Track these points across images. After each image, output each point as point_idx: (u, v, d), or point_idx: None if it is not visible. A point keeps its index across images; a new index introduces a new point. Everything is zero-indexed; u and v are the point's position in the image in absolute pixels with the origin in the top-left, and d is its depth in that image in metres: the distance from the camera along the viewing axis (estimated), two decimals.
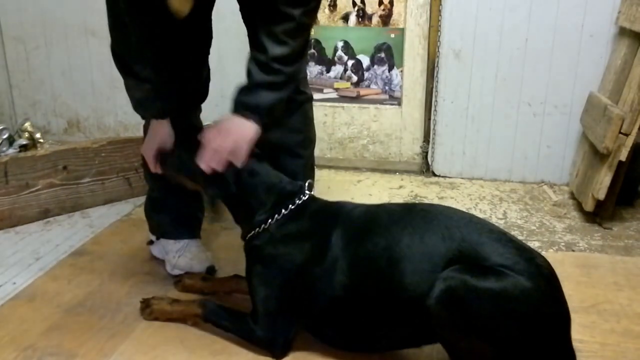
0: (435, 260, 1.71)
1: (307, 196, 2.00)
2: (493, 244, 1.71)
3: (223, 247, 2.70)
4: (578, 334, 2.05)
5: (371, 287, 1.80)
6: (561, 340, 1.70)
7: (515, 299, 1.61)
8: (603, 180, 2.90)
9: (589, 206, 3.00)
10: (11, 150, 3.31)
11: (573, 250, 2.75)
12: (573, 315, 2.13)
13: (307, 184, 2.03)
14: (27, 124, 3.56)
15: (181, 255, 2.46)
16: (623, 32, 3.16)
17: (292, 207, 1.96)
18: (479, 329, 1.62)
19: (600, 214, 3.02)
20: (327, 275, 1.85)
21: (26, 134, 3.50)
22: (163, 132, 2.19)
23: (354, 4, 3.55)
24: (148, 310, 2.14)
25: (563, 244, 2.81)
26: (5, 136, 3.37)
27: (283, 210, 1.96)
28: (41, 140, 3.51)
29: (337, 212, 1.96)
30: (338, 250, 1.85)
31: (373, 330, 1.86)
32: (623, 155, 2.84)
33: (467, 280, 1.62)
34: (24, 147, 3.37)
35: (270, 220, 1.95)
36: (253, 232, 1.98)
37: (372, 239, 1.83)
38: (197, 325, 2.08)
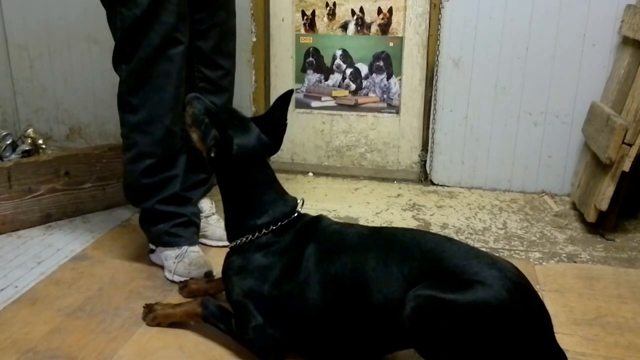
0: (399, 281, 1.72)
1: (297, 213, 2.00)
2: (454, 256, 1.72)
3: (220, 252, 2.67)
4: (581, 347, 2.06)
5: (341, 306, 1.82)
6: (542, 343, 1.68)
7: (486, 307, 1.60)
8: (606, 191, 2.88)
9: (591, 217, 2.99)
10: (14, 156, 3.32)
11: (575, 262, 2.73)
12: (575, 328, 2.15)
13: (300, 201, 2.04)
14: (30, 130, 3.57)
15: (180, 261, 2.47)
16: (626, 41, 3.16)
17: (287, 221, 1.96)
18: (454, 341, 1.62)
19: (602, 225, 3.01)
20: (299, 290, 1.86)
21: (29, 140, 3.50)
22: None
23: (353, 13, 3.57)
24: (151, 315, 2.14)
25: (565, 255, 2.79)
26: (8, 142, 3.37)
27: (280, 223, 1.95)
28: (43, 146, 3.52)
29: (313, 227, 1.96)
30: (311, 266, 1.87)
31: (347, 345, 1.87)
32: (626, 166, 2.83)
33: (436, 296, 1.62)
34: (26, 153, 3.37)
35: (264, 230, 1.95)
36: (244, 237, 1.97)
37: (341, 259, 1.84)
38: (199, 323, 2.08)
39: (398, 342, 1.79)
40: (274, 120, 2.01)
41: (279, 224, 1.95)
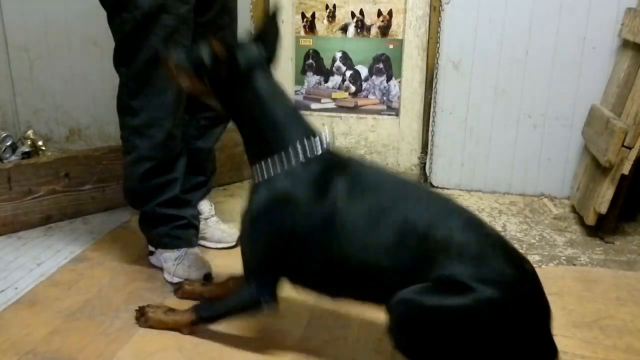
0: (407, 250, 1.71)
1: (327, 145, 1.91)
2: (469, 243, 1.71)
3: (220, 254, 2.71)
4: (580, 350, 2.06)
5: (351, 246, 1.78)
6: (540, 339, 1.69)
7: (478, 314, 1.61)
8: (605, 194, 2.89)
9: (590, 220, 2.99)
10: (14, 157, 3.31)
11: (574, 265, 2.73)
12: (574, 331, 2.15)
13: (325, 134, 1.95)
14: (29, 132, 3.57)
15: (179, 263, 2.47)
16: (626, 44, 3.17)
17: (314, 153, 1.86)
18: (439, 345, 1.64)
19: (602, 228, 3.01)
20: (320, 223, 1.80)
21: (29, 142, 3.50)
22: None
23: (353, 15, 3.57)
24: (143, 318, 2.14)
25: (564, 258, 2.79)
26: (8, 143, 3.37)
27: (305, 142, 1.86)
28: (43, 148, 3.52)
29: (347, 162, 1.90)
30: (336, 200, 1.80)
31: (345, 284, 1.86)
32: (626, 169, 2.83)
33: (420, 301, 1.64)
34: (26, 155, 3.37)
35: (284, 154, 1.85)
36: (268, 160, 1.87)
37: (364, 199, 1.80)
38: (192, 334, 2.08)
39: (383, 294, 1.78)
40: (267, 34, 1.95)
41: (304, 146, 1.85)
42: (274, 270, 1.91)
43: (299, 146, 1.84)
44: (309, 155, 1.84)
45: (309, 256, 1.84)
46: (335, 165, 1.86)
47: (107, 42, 2.37)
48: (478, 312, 1.60)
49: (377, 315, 2.15)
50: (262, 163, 1.88)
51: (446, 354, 1.64)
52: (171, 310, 2.15)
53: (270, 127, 1.87)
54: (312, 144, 1.86)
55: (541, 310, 1.70)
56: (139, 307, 2.18)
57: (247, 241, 1.94)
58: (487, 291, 1.60)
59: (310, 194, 1.82)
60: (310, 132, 1.88)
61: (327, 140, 1.90)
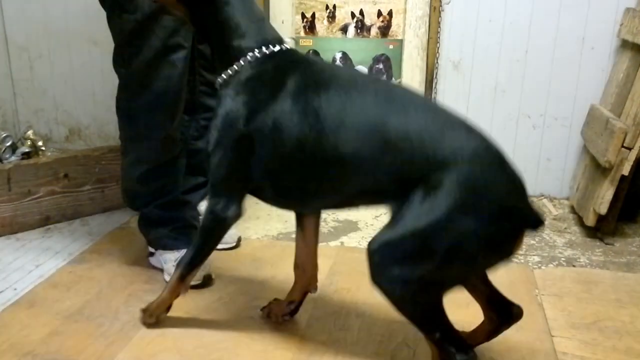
0: (381, 135, 1.68)
1: (284, 44, 1.90)
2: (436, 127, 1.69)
3: (220, 255, 2.68)
4: (579, 351, 2.05)
5: (313, 142, 1.75)
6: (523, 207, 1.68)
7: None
8: (605, 195, 2.88)
9: (590, 221, 2.99)
10: (14, 158, 3.30)
11: (574, 266, 2.73)
12: (573, 332, 2.14)
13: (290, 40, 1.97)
14: (29, 132, 3.56)
15: None
16: (625, 44, 3.16)
17: (269, 52, 1.86)
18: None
19: (601, 229, 3.01)
20: (276, 121, 1.79)
21: (29, 142, 3.49)
22: None
23: (353, 16, 3.56)
24: (147, 313, 2.14)
25: (563, 259, 2.79)
26: (8, 144, 3.35)
27: (257, 52, 1.85)
28: (43, 148, 3.50)
29: (301, 59, 1.91)
30: (290, 96, 1.79)
31: (311, 191, 1.86)
32: (626, 170, 2.83)
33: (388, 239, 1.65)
34: (26, 155, 3.36)
35: (247, 56, 1.85)
36: (229, 70, 1.87)
37: (325, 93, 1.77)
38: (187, 290, 2.10)
39: (361, 196, 1.79)
40: None
41: (262, 51, 1.85)
42: (240, 182, 1.91)
43: (257, 52, 1.85)
44: (266, 59, 1.85)
45: (272, 159, 1.83)
46: (289, 64, 1.86)
47: (108, 42, 2.36)
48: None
49: (377, 316, 2.17)
50: (223, 72, 1.89)
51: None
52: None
53: (232, 35, 1.87)
54: (271, 49, 1.86)
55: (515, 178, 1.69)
56: (142, 309, 2.16)
57: (212, 154, 1.91)
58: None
59: (262, 96, 1.82)
60: (272, 40, 1.88)
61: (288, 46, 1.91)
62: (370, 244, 1.68)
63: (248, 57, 1.85)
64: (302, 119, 1.76)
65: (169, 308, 2.14)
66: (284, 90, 1.79)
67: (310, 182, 1.83)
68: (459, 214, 1.58)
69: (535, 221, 1.67)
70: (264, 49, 1.85)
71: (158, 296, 2.14)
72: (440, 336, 1.69)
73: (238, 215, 1.94)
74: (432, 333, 1.71)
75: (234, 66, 1.86)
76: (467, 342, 1.73)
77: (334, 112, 1.73)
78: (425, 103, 1.79)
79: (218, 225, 1.96)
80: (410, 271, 1.63)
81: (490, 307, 1.90)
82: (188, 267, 2.05)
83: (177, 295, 2.11)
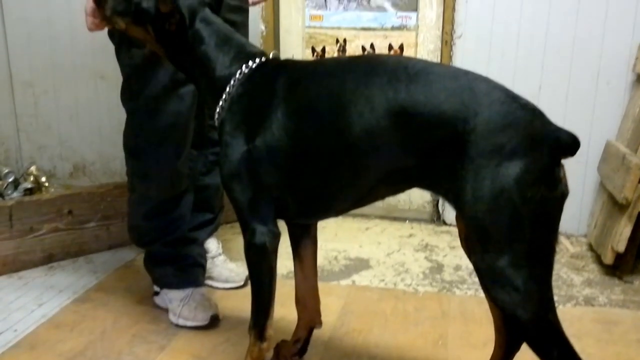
0: (383, 104, 1.60)
1: (268, 56, 1.88)
2: (444, 78, 1.61)
3: (228, 294, 2.66)
4: None
5: (316, 140, 1.70)
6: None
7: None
8: (623, 232, 2.82)
9: (608, 259, 2.92)
10: (16, 194, 3.28)
11: (592, 305, 2.67)
12: None
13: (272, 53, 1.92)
14: (32, 168, 3.54)
15: (185, 304, 2.42)
16: None
17: (255, 65, 1.83)
18: None
19: (620, 267, 2.94)
20: (276, 129, 1.73)
21: (31, 178, 3.47)
22: None
23: (364, 49, 3.56)
24: None
25: (582, 298, 2.73)
26: (10, 180, 3.34)
27: (244, 68, 1.82)
28: (46, 184, 3.48)
29: (284, 64, 1.87)
30: (280, 98, 1.74)
31: (332, 191, 1.78)
32: None
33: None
34: (29, 191, 3.34)
35: (235, 77, 1.81)
36: (220, 100, 1.83)
37: (315, 85, 1.74)
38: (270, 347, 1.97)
39: (382, 181, 1.70)
40: None
41: (245, 69, 1.82)
42: (264, 202, 1.81)
43: (244, 69, 1.81)
44: (252, 73, 1.82)
45: (284, 168, 1.76)
46: (274, 71, 1.82)
47: (115, 77, 2.34)
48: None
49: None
50: (217, 107, 1.84)
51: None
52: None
53: (215, 68, 1.84)
54: (255, 63, 1.83)
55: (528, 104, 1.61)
56: None
57: (228, 188, 1.84)
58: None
59: (257, 109, 1.77)
60: (254, 56, 1.85)
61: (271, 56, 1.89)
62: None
63: (237, 77, 1.81)
64: (299, 118, 1.72)
65: None
66: (275, 97, 1.75)
67: (329, 181, 1.76)
68: (507, 161, 1.50)
69: (568, 139, 1.58)
70: (250, 63, 1.82)
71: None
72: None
73: (275, 235, 1.83)
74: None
75: (225, 94, 1.82)
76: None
77: (327, 100, 1.69)
78: (417, 63, 1.70)
79: (262, 255, 1.84)
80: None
81: (505, 329, 1.83)
82: (257, 319, 1.92)
83: (263, 356, 1.95)
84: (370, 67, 1.69)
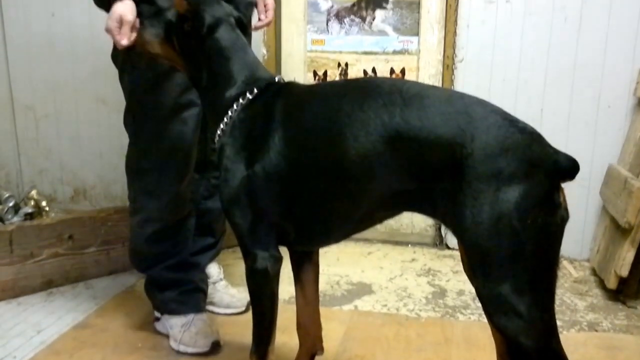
0: (378, 127, 1.59)
1: (269, 82, 1.87)
2: (438, 102, 1.59)
3: (229, 320, 2.65)
4: None
5: (313, 164, 1.69)
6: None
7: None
8: (626, 257, 2.81)
9: (611, 283, 2.91)
10: (16, 219, 3.27)
11: (596, 330, 2.65)
12: None
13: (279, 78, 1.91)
14: (33, 192, 3.52)
15: (186, 330, 2.40)
16: None
17: (258, 90, 1.83)
18: None
19: (624, 292, 2.93)
20: (275, 155, 1.73)
21: (32, 202, 3.45)
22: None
23: (365, 73, 3.55)
24: None
25: (585, 323, 2.71)
26: (10, 204, 3.32)
27: (248, 94, 1.82)
28: (47, 209, 3.46)
29: (283, 88, 1.85)
30: (278, 123, 1.74)
31: (330, 217, 1.77)
32: None
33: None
34: (29, 216, 3.32)
35: (239, 101, 1.82)
36: (222, 122, 1.84)
37: (311, 109, 1.73)
38: None
39: (380, 206, 1.69)
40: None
41: (250, 95, 1.82)
42: (265, 227, 1.80)
43: (248, 95, 1.82)
44: (256, 98, 1.82)
45: (283, 193, 1.75)
46: (274, 96, 1.81)
47: (116, 100, 2.34)
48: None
49: None
50: (218, 127, 1.85)
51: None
52: None
53: (225, 86, 1.85)
54: (260, 88, 1.83)
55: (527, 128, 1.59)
56: None
57: (229, 213, 1.84)
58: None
59: (257, 134, 1.77)
60: (261, 80, 1.85)
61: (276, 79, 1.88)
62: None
63: (240, 101, 1.82)
64: (296, 143, 1.72)
65: None
66: (273, 122, 1.75)
67: (327, 206, 1.75)
68: (506, 187, 1.49)
69: (567, 163, 1.57)
70: (255, 90, 1.82)
71: None
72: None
73: (277, 259, 1.83)
74: None
75: (227, 117, 1.83)
76: None
77: (323, 125, 1.68)
78: (412, 87, 1.70)
79: (263, 280, 1.83)
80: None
81: (508, 356, 1.77)
82: (259, 345, 1.90)
83: None
84: (366, 90, 1.68)
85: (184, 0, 1.81)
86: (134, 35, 1.92)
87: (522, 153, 1.51)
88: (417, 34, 3.50)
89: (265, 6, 2.57)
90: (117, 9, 1.90)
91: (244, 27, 1.95)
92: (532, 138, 1.56)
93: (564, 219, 1.55)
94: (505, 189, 1.48)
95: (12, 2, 3.76)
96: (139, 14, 1.92)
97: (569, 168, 1.57)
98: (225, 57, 1.85)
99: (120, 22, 1.89)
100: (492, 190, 1.49)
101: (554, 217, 1.53)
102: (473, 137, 1.51)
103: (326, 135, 1.67)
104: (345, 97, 1.69)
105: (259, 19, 2.58)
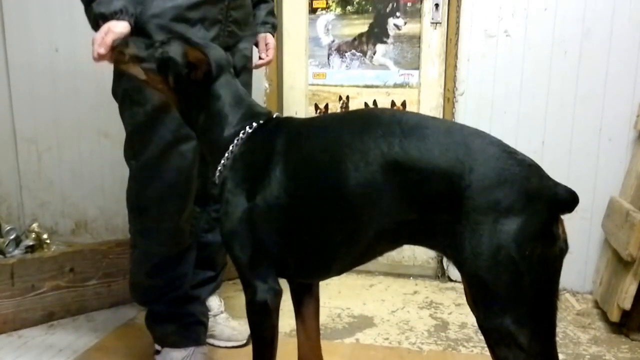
0: (378, 158, 1.60)
1: (267, 118, 1.88)
2: (438, 134, 1.60)
3: (229, 352, 2.64)
4: None
5: (313, 196, 1.69)
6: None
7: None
8: (628, 289, 2.80)
9: (614, 316, 2.89)
10: (17, 252, 3.27)
11: None
12: None
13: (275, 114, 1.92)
14: (34, 225, 3.53)
15: None
16: None
17: (257, 124, 1.84)
18: None
19: (627, 325, 2.90)
20: (275, 187, 1.73)
21: (33, 235, 3.45)
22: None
23: (366, 106, 3.55)
24: None
25: (588, 356, 2.69)
26: (12, 237, 3.32)
27: (248, 128, 1.83)
28: (48, 241, 3.46)
29: (283, 122, 1.87)
30: (278, 157, 1.74)
31: (331, 249, 1.75)
32: None
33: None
34: (30, 248, 3.32)
35: (239, 136, 1.83)
36: (223, 158, 1.84)
37: (310, 142, 1.73)
38: None
39: (380, 238, 1.68)
40: None
41: (249, 129, 1.83)
42: (264, 259, 1.79)
43: (247, 129, 1.83)
44: (255, 132, 1.84)
45: (283, 226, 1.75)
46: (275, 129, 1.83)
47: (118, 134, 2.34)
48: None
49: None
50: (218, 165, 1.85)
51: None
52: None
53: (222, 126, 1.86)
54: (258, 123, 1.85)
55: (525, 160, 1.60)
56: None
57: (229, 245, 1.83)
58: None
59: (258, 167, 1.78)
60: (258, 116, 1.87)
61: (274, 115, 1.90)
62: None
63: (241, 136, 1.83)
64: (297, 176, 1.72)
65: None
66: (274, 155, 1.76)
67: (327, 239, 1.74)
68: (504, 219, 1.50)
69: (566, 195, 1.59)
70: (254, 124, 1.84)
71: None
72: None
73: (277, 292, 1.81)
74: None
75: (228, 152, 1.84)
76: None
77: (323, 157, 1.69)
78: (412, 118, 1.70)
79: (263, 313, 1.82)
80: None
81: None
82: None
83: None
84: (366, 121, 1.69)
85: (199, 51, 1.83)
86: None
87: (520, 185, 1.52)
88: (417, 67, 3.52)
89: (266, 45, 2.59)
90: (110, 23, 1.94)
91: (237, 74, 2.00)
92: (530, 170, 1.56)
93: (563, 250, 1.55)
94: (504, 220, 1.49)
95: (16, 37, 3.80)
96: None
97: (568, 200, 1.58)
98: (225, 101, 1.86)
99: (106, 33, 1.93)
100: (490, 222, 1.49)
101: (552, 248, 1.53)
102: (471, 169, 1.52)
103: (326, 166, 1.68)
104: (345, 128, 1.70)
105: (260, 58, 2.61)
